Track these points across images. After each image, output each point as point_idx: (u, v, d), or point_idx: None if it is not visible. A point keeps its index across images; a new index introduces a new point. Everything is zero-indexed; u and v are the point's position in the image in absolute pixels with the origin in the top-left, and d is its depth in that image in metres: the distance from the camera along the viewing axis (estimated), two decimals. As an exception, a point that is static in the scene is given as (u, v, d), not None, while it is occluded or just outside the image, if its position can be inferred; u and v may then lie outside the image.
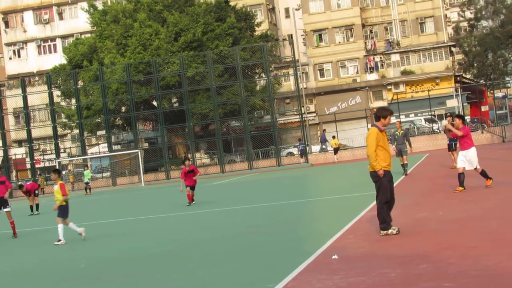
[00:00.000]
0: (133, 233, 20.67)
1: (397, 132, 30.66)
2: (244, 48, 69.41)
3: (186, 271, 12.65)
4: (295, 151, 69.57)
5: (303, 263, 11.75)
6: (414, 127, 72.65)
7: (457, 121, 21.70)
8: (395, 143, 32.11)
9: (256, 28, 78.83)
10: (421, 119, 75.07)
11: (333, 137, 65.21)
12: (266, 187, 38.53)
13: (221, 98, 68.37)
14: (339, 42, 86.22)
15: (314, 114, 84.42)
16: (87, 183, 57.90)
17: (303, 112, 69.77)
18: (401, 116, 67.60)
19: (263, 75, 73.25)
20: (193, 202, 28.88)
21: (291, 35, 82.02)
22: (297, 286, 10.07)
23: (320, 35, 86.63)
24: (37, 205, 35.69)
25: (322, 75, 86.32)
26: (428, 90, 74.57)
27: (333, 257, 11.98)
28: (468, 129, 21.47)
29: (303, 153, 65.78)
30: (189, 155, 63.19)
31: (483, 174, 21.35)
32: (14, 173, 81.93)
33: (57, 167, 24.36)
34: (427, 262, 10.66)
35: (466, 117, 74.79)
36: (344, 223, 16.46)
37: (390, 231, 13.86)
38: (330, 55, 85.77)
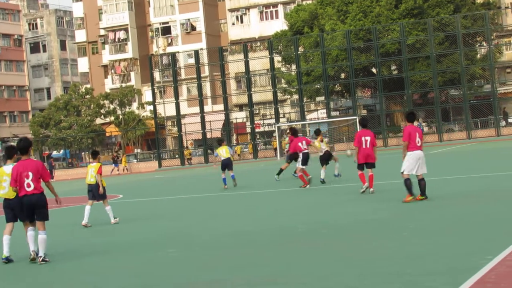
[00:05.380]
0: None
1: None
2: (465, 16, 68.17)
3: (400, 239, 12.98)
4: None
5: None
6: None
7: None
8: None
9: (478, -4, 77.06)
10: None
11: None
12: (484, 157, 37.96)
13: (441, 66, 67.61)
14: None
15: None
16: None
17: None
18: None
19: (484, 43, 71.71)
20: None
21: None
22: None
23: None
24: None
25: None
26: None
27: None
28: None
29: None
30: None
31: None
32: (234, 137, 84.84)
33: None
34: None
35: None
36: None
37: None
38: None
